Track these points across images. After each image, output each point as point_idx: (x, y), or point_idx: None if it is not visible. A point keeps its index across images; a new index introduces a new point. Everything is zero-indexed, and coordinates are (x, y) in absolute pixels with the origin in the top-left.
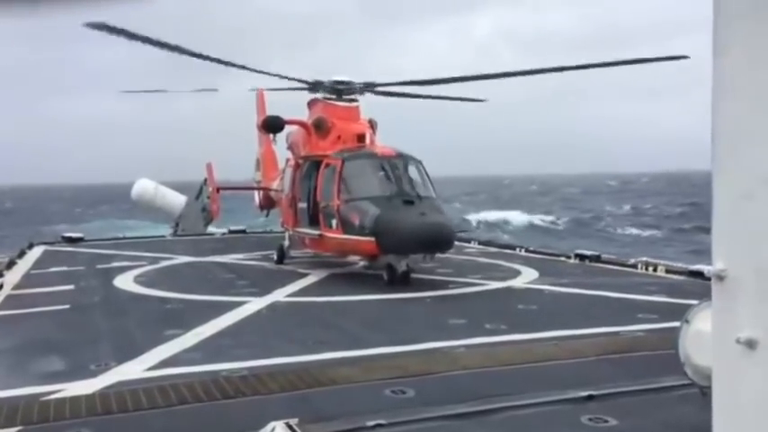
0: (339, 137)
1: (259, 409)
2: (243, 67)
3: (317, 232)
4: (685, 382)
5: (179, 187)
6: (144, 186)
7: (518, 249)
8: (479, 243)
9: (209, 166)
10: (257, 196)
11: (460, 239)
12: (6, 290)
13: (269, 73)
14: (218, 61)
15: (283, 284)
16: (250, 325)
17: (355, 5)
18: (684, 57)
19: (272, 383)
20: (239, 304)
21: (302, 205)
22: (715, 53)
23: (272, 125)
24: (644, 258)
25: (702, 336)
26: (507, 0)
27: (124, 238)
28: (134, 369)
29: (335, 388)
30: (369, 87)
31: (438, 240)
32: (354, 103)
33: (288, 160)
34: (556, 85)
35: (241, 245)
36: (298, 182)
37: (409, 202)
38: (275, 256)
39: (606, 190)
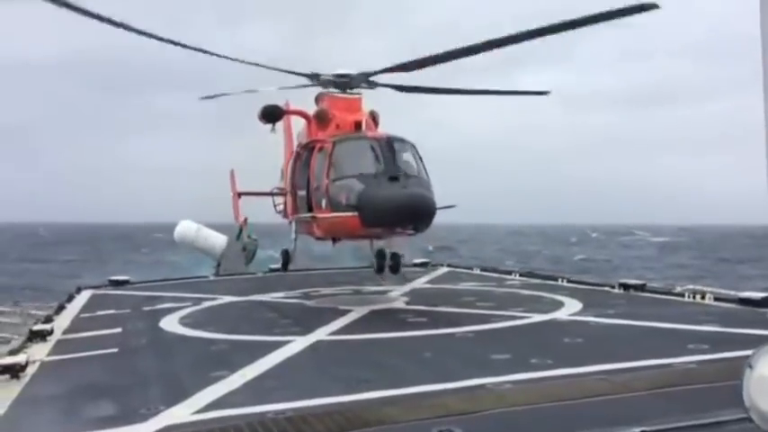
0: (338, 126)
1: None
2: (238, 60)
3: (310, 215)
4: (742, 416)
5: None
6: (186, 228)
7: (560, 280)
8: (520, 275)
9: (231, 173)
10: (279, 204)
11: (502, 271)
12: (57, 334)
13: (268, 66)
14: (207, 52)
15: (325, 322)
16: (294, 364)
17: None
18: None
19: (318, 425)
20: (283, 344)
21: (301, 192)
22: (765, 50)
23: (270, 114)
24: (690, 286)
25: (767, 381)
26: (551, 61)
27: (168, 279)
28: (182, 412)
29: (382, 428)
30: (372, 80)
31: (416, 211)
32: (356, 95)
33: (291, 153)
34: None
35: (281, 283)
36: (297, 170)
37: (394, 179)
38: (280, 262)
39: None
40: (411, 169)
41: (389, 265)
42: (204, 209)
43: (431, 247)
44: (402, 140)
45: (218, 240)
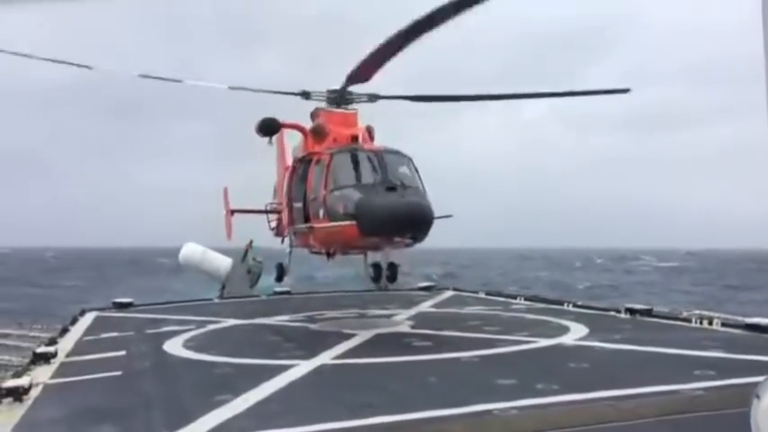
0: (334, 139)
1: None
2: (242, 89)
3: (307, 225)
4: None
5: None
6: (191, 251)
7: (566, 305)
8: (525, 299)
9: (225, 190)
10: (272, 221)
11: (507, 295)
12: (60, 357)
13: (257, 90)
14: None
15: (330, 346)
16: (298, 389)
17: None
18: (626, 90)
19: None
20: (287, 367)
21: (298, 204)
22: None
23: (267, 127)
24: (697, 311)
25: None
26: (556, 86)
27: (172, 302)
28: None
29: None
30: (370, 96)
31: (414, 219)
32: (352, 110)
33: (286, 168)
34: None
35: (285, 306)
36: (294, 183)
37: (392, 189)
38: (275, 273)
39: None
40: (408, 180)
41: (387, 275)
42: (209, 232)
43: (435, 276)
44: (398, 153)
45: (224, 263)
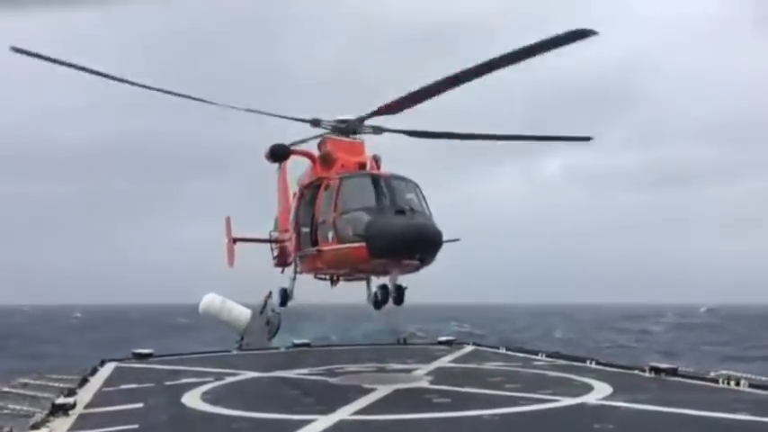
0: (342, 166)
1: None
2: (257, 112)
3: (315, 248)
4: None
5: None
6: (211, 301)
7: (588, 362)
8: (547, 356)
9: (227, 220)
10: (275, 250)
11: (528, 351)
12: (79, 408)
13: (270, 114)
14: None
15: (349, 401)
16: None
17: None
18: (588, 138)
19: None
20: (305, 423)
21: (305, 229)
22: None
23: (277, 153)
24: (724, 372)
25: None
26: (576, 146)
27: (192, 353)
28: None
29: None
30: (375, 125)
31: (423, 240)
32: (359, 139)
33: (294, 194)
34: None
35: (305, 359)
36: (301, 208)
37: (401, 212)
38: (279, 299)
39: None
40: (416, 205)
41: (393, 297)
42: (229, 288)
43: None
44: (406, 179)
45: (243, 313)
